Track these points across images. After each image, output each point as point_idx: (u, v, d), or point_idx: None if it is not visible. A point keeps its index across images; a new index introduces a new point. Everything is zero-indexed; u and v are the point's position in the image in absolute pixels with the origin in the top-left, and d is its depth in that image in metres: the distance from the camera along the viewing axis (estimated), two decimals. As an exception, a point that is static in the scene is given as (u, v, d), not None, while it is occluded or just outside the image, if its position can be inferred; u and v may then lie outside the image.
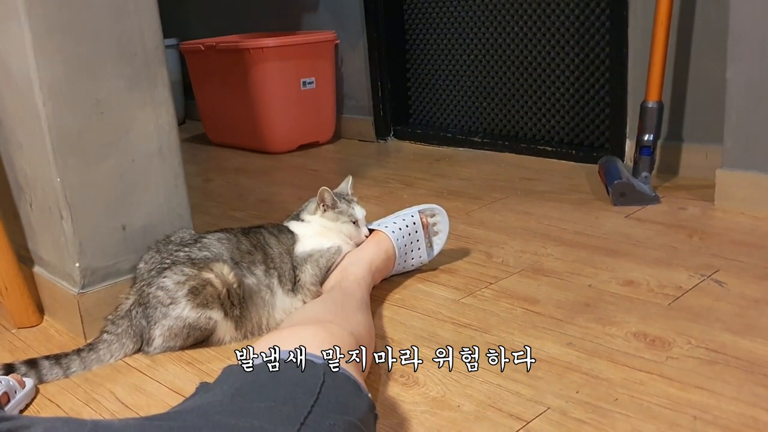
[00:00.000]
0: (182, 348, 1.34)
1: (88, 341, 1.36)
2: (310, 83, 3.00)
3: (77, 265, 1.38)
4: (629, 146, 2.26)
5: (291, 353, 0.84)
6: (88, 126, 1.36)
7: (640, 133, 2.01)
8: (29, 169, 1.43)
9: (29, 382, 1.23)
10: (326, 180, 2.66)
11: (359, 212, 1.53)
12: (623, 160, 2.24)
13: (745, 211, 1.80)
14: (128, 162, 1.42)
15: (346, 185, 1.61)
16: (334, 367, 0.84)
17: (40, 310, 1.53)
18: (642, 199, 1.94)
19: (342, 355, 0.90)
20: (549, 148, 2.53)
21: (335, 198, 1.50)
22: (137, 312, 1.32)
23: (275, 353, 0.85)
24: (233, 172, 2.78)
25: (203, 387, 0.81)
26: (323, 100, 3.07)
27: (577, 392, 1.10)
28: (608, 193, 1.99)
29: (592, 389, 1.10)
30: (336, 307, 1.22)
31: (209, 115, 3.30)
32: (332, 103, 3.11)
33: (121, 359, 1.33)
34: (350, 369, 0.89)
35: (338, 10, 3.08)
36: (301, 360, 0.82)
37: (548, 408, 1.06)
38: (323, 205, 1.51)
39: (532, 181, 2.27)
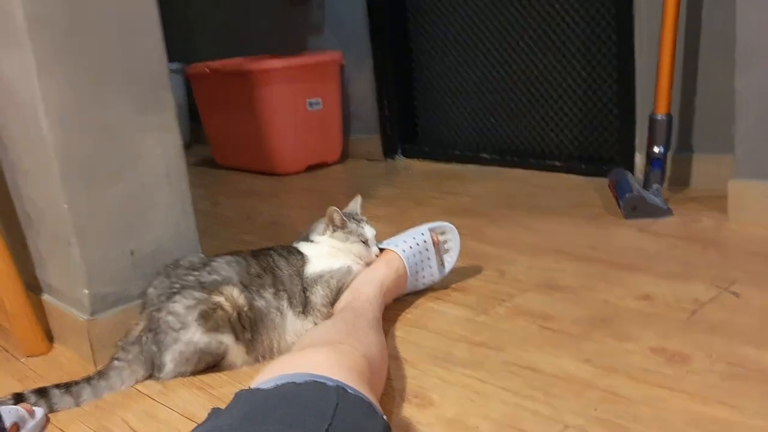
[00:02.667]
0: (193, 373, 1.32)
1: (99, 368, 1.34)
2: (316, 104, 3.00)
3: (86, 291, 1.37)
4: (639, 159, 2.25)
5: (303, 376, 0.83)
6: (96, 152, 1.36)
7: (650, 145, 1.99)
8: (36, 196, 1.43)
9: (39, 411, 1.22)
10: (335, 200, 2.65)
11: (369, 232, 1.52)
12: (633, 173, 2.23)
13: (759, 221, 1.77)
14: (136, 187, 1.42)
15: (356, 205, 1.60)
16: (347, 389, 0.82)
17: (50, 337, 1.52)
18: (654, 212, 1.92)
19: (354, 377, 0.89)
20: (558, 163, 2.51)
21: (344, 218, 1.49)
22: (147, 338, 1.31)
23: (287, 376, 0.83)
24: (241, 195, 2.78)
25: (215, 413, 0.80)
26: (330, 120, 3.07)
27: (596, 410, 1.07)
28: (619, 207, 1.97)
29: (612, 406, 1.08)
30: (347, 328, 1.20)
31: (216, 138, 3.30)
32: (339, 123, 3.11)
33: (132, 386, 1.31)
34: (364, 390, 0.88)
35: (343, 30, 3.09)
36: (313, 382, 0.80)
37: (567, 427, 1.04)
38: (332, 226, 1.49)
39: (541, 197, 2.25)
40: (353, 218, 1.52)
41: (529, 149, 2.68)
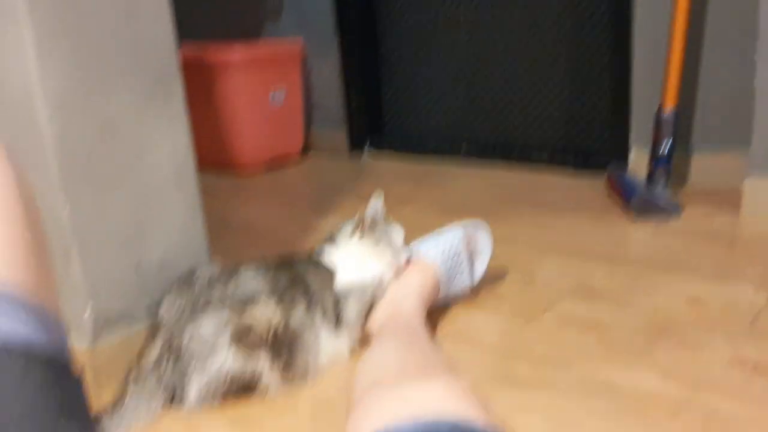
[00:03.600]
0: (220, 402, 1.15)
1: (108, 403, 1.15)
2: (279, 95, 2.81)
3: (87, 313, 1.17)
4: (634, 153, 2.19)
5: (440, 418, 0.69)
6: (99, 147, 1.16)
7: (656, 143, 1.93)
8: (22, 200, 1.21)
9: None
10: (309, 198, 2.51)
11: (398, 234, 1.38)
12: (627, 168, 2.17)
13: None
14: (143, 189, 1.23)
15: (379, 203, 1.45)
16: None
17: (33, 364, 1.31)
18: (664, 212, 1.86)
19: (481, 412, 0.75)
20: (543, 157, 2.43)
21: (375, 220, 1.34)
22: (167, 365, 1.13)
23: (420, 420, 0.69)
24: (205, 196, 2.56)
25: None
26: (293, 112, 2.89)
27: (706, 434, 0.98)
28: (626, 207, 1.90)
29: (721, 429, 0.98)
30: (420, 349, 1.07)
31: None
32: (301, 115, 2.94)
33: (149, 422, 1.12)
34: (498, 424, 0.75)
35: (304, 15, 2.91)
36: (464, 428, 0.67)
37: (682, 455, 0.94)
38: (362, 229, 1.34)
39: (537, 193, 2.17)
40: (381, 220, 1.38)
41: (510, 143, 2.59)
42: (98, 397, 1.19)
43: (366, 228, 1.34)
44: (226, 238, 2.02)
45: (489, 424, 0.69)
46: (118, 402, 1.12)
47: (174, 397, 1.14)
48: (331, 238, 1.38)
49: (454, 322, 1.38)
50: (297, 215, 2.18)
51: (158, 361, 1.14)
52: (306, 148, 3.02)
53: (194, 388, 1.12)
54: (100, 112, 1.15)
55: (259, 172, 2.80)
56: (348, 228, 1.36)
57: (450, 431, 0.66)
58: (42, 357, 0.44)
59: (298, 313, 1.21)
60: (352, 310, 1.28)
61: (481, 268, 1.47)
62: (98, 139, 1.16)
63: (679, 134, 1.96)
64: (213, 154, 2.84)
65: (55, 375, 0.44)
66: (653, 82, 1.99)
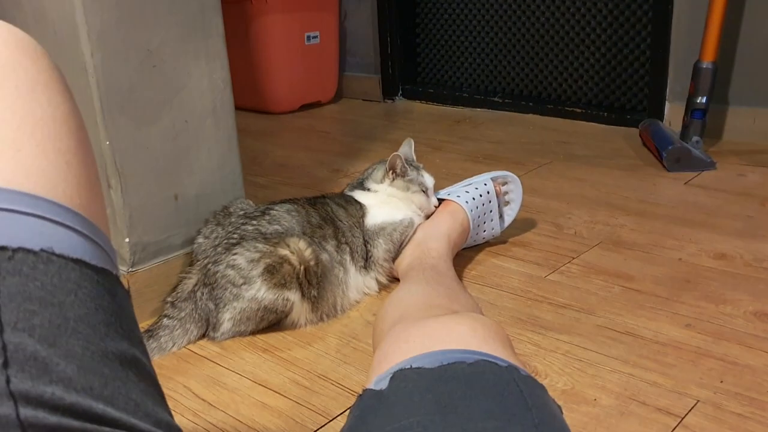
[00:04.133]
0: (253, 332, 1.20)
1: (143, 327, 1.20)
2: (314, 38, 2.81)
3: (127, 240, 1.22)
4: (669, 108, 2.17)
5: (464, 353, 0.71)
6: (140, 81, 1.18)
7: (693, 95, 1.91)
8: (66, 130, 1.24)
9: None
10: (340, 142, 2.53)
11: (429, 180, 1.40)
12: (662, 123, 2.15)
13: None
14: (181, 123, 1.25)
15: (409, 149, 1.46)
16: (518, 369, 0.71)
17: (73, 289, 1.36)
18: (698, 165, 1.85)
19: (509, 350, 0.78)
20: (578, 110, 2.42)
21: (405, 165, 1.36)
22: (203, 293, 1.17)
23: (446, 354, 0.72)
24: (239, 134, 2.59)
25: (377, 397, 0.68)
26: (327, 56, 2.89)
27: (722, 382, 1.00)
28: (659, 159, 1.90)
29: (737, 378, 1.00)
30: (445, 290, 1.09)
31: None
32: (336, 59, 2.93)
33: (184, 347, 1.17)
34: (520, 364, 0.77)
35: (342, -41, 2.88)
36: (485, 362, 0.69)
37: (698, 401, 0.96)
38: (393, 173, 1.36)
39: (570, 145, 2.16)
40: (412, 165, 1.40)
41: (544, 94, 2.57)
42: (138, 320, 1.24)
43: (396, 173, 1.36)
44: (259, 176, 2.06)
45: (512, 362, 0.71)
46: (155, 327, 1.17)
47: (209, 324, 1.18)
48: (361, 181, 1.40)
49: (480, 266, 1.41)
50: (328, 157, 2.21)
51: (194, 289, 1.18)
52: (339, 94, 3.03)
53: (228, 317, 1.16)
54: (142, 45, 1.18)
55: (292, 113, 2.82)
56: (379, 172, 1.38)
57: (473, 364, 0.69)
58: (95, 267, 0.47)
59: (329, 250, 1.25)
60: (380, 250, 1.31)
61: (510, 216, 1.49)
62: (140, 73, 1.18)
63: (716, 88, 1.93)
64: (247, 92, 2.86)
65: (107, 285, 0.47)
66: (694, 35, 1.95)
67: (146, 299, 1.25)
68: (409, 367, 0.70)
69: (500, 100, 2.62)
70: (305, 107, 2.89)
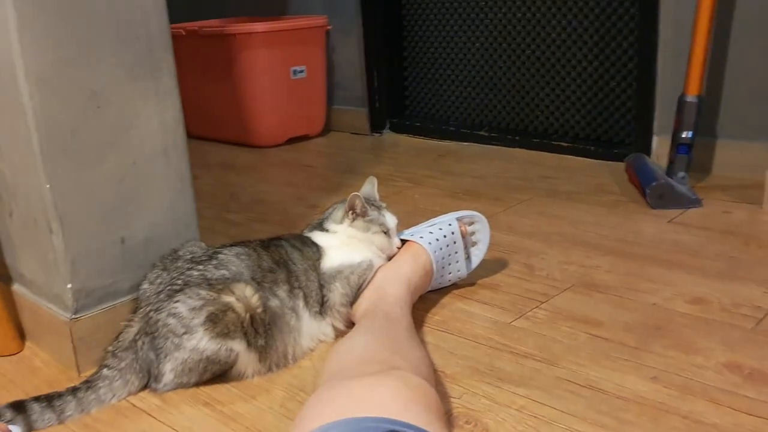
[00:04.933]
0: (196, 384, 1.14)
1: (84, 377, 1.15)
2: (300, 72, 2.78)
3: (69, 286, 1.17)
4: (656, 142, 2.11)
5: (377, 422, 0.66)
6: (82, 122, 1.14)
7: (678, 129, 1.85)
8: (9, 172, 1.21)
9: (16, 430, 1.02)
10: (323, 177, 2.48)
11: (391, 221, 1.35)
12: (649, 157, 2.09)
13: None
14: (128, 164, 1.21)
15: (372, 188, 1.42)
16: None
17: (21, 335, 1.32)
18: (682, 202, 1.79)
19: (433, 418, 0.72)
20: (564, 144, 2.37)
21: (366, 205, 1.31)
22: (144, 342, 1.12)
23: (358, 422, 0.66)
24: (219, 168, 2.56)
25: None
26: (314, 90, 2.86)
27: (684, 442, 0.93)
28: (643, 195, 1.84)
29: (700, 438, 0.94)
30: (390, 341, 1.04)
31: (190, 106, 3.04)
32: (323, 93, 2.91)
33: (124, 398, 1.12)
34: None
35: (330, -7, 2.87)
36: (396, 434, 0.64)
37: (655, 464, 0.90)
38: (353, 214, 1.31)
39: (553, 180, 2.11)
40: (373, 204, 1.35)
41: (530, 128, 2.53)
42: (79, 368, 1.19)
43: (356, 213, 1.31)
44: (234, 212, 2.02)
45: (427, 431, 0.66)
46: (94, 377, 1.12)
47: (150, 375, 1.13)
48: (321, 222, 1.35)
49: (444, 310, 1.35)
50: (307, 192, 2.16)
51: (135, 338, 1.13)
52: (327, 127, 3.00)
53: (169, 368, 1.11)
54: (85, 86, 1.14)
55: (278, 147, 2.79)
56: (339, 212, 1.34)
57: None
58: None
59: (280, 295, 1.19)
60: (336, 294, 1.25)
61: (477, 257, 1.43)
62: (82, 114, 1.14)
63: (703, 122, 1.88)
64: (233, 126, 2.84)
65: None
66: (679, 68, 1.90)
67: (90, 347, 1.20)
68: (315, 437, 0.65)
69: (486, 134, 2.57)
70: (292, 140, 2.86)
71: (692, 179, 1.96)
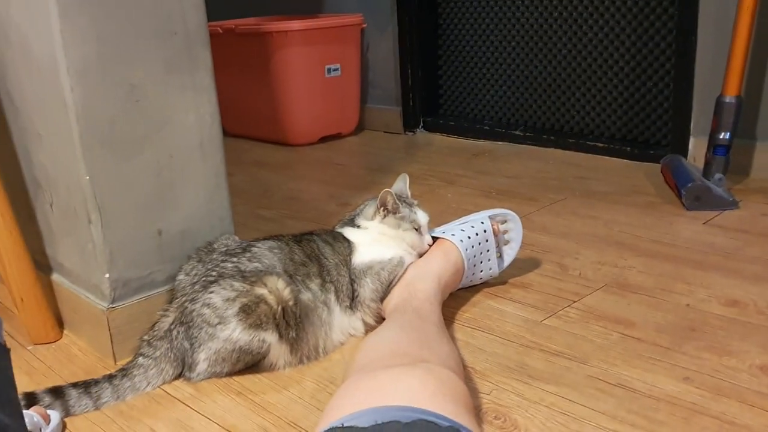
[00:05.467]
0: (229, 374, 1.16)
1: (120, 365, 1.18)
2: (335, 70, 2.80)
3: (107, 275, 1.20)
4: (693, 144, 2.08)
5: (404, 411, 0.66)
6: (121, 115, 1.17)
7: (715, 131, 1.83)
8: (50, 164, 1.24)
9: (55, 416, 1.05)
10: (356, 175, 2.50)
11: (423, 218, 1.35)
12: (686, 159, 2.06)
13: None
14: (165, 158, 1.24)
15: (404, 185, 1.42)
16: (461, 431, 0.66)
17: (59, 323, 1.35)
18: (719, 204, 1.76)
19: (461, 409, 0.72)
20: (600, 144, 2.35)
21: (397, 202, 1.32)
22: (178, 332, 1.14)
23: (385, 411, 0.67)
24: (253, 166, 2.59)
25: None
26: (348, 88, 2.88)
27: (715, 443, 0.92)
28: (679, 196, 1.82)
29: (732, 440, 0.93)
30: (419, 335, 1.04)
31: (226, 104, 3.07)
32: (357, 92, 2.92)
33: (158, 387, 1.14)
34: (472, 426, 0.72)
35: (365, -8, 2.88)
36: (423, 422, 0.64)
37: (686, 464, 0.89)
38: (384, 210, 1.32)
39: (588, 181, 2.09)
40: (405, 201, 1.35)
41: (566, 128, 2.51)
42: (115, 357, 1.22)
43: (388, 210, 1.31)
44: (267, 209, 2.04)
45: (457, 422, 0.66)
46: (129, 365, 1.14)
47: (184, 364, 1.15)
48: (352, 218, 1.36)
49: (475, 308, 1.35)
50: (339, 190, 2.18)
51: (171, 328, 1.15)
52: (360, 126, 3.01)
53: (203, 357, 1.13)
54: (124, 80, 1.16)
55: (311, 145, 2.81)
56: (370, 209, 1.34)
57: (409, 424, 0.64)
58: None
59: (312, 289, 1.21)
60: (367, 290, 1.26)
61: (510, 256, 1.43)
62: (121, 107, 1.17)
63: (741, 124, 1.85)
64: (267, 124, 2.86)
65: None
66: (718, 68, 1.88)
67: (126, 336, 1.22)
68: (340, 426, 0.66)
69: (521, 134, 2.56)
70: (325, 139, 2.88)
71: (729, 181, 1.92)
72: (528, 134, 2.54)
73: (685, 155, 2.09)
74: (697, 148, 2.06)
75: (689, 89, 2.06)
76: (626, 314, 1.28)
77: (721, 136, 1.82)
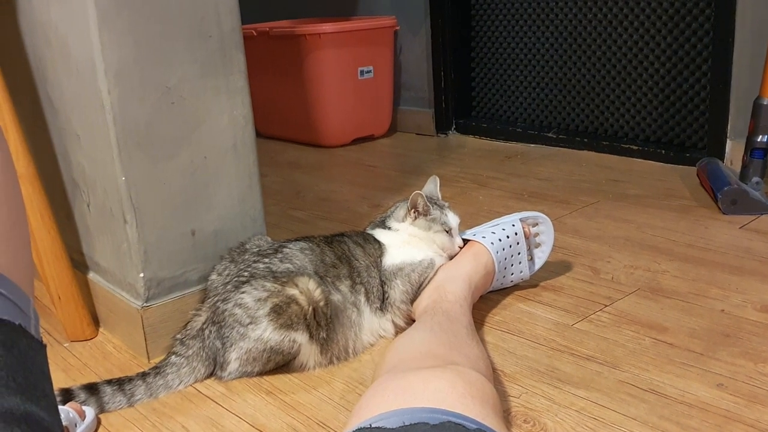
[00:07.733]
0: (260, 373, 1.17)
1: (153, 363, 1.20)
2: (368, 72, 2.81)
3: (141, 275, 1.22)
4: (730, 147, 2.05)
5: (433, 413, 0.66)
6: (157, 117, 1.19)
7: (753, 133, 1.80)
8: (88, 164, 1.27)
9: (90, 412, 1.07)
10: (388, 177, 2.50)
11: (453, 220, 1.35)
12: (723, 162, 2.03)
13: None
14: (200, 159, 1.25)
15: (434, 187, 1.42)
16: (490, 433, 0.66)
17: (95, 321, 1.38)
18: (756, 208, 1.73)
19: (489, 411, 0.72)
20: (634, 147, 2.32)
21: (428, 204, 1.32)
22: (210, 331, 1.16)
23: (412, 412, 0.67)
24: (287, 167, 2.61)
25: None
26: (381, 90, 2.89)
27: (749, 451, 0.91)
28: (715, 200, 1.79)
29: (767, 448, 0.91)
30: (449, 337, 1.04)
31: (259, 106, 3.11)
32: (390, 93, 2.93)
33: (191, 385, 1.16)
34: (501, 429, 0.71)
35: (399, -6, 2.89)
36: (451, 424, 0.64)
37: (719, 472, 0.88)
38: (415, 212, 1.32)
39: (622, 184, 2.07)
40: (435, 203, 1.35)
41: (600, 130, 2.49)
42: (149, 355, 1.24)
43: (419, 211, 1.32)
44: (299, 209, 2.06)
45: (485, 424, 0.66)
46: (162, 364, 1.16)
47: (216, 363, 1.17)
48: (383, 220, 1.37)
49: (506, 311, 1.34)
50: (371, 192, 2.19)
51: (203, 327, 1.17)
52: (393, 128, 3.02)
53: (234, 356, 1.14)
54: (161, 82, 1.18)
55: (344, 147, 2.82)
56: (401, 211, 1.35)
57: (437, 426, 0.64)
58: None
59: (342, 290, 1.22)
60: (397, 291, 1.27)
61: (541, 259, 1.42)
62: (157, 109, 1.19)
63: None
64: (300, 126, 2.88)
65: (1, 338, 0.45)
66: (756, 71, 1.85)
67: (160, 334, 1.24)
68: (368, 426, 0.66)
69: (554, 136, 2.54)
70: (358, 141, 2.89)
71: (767, 186, 1.89)
72: (561, 136, 2.52)
73: (722, 158, 2.06)
74: (734, 151, 2.03)
75: (726, 91, 2.03)
76: (659, 319, 1.26)
77: (758, 139, 1.79)
